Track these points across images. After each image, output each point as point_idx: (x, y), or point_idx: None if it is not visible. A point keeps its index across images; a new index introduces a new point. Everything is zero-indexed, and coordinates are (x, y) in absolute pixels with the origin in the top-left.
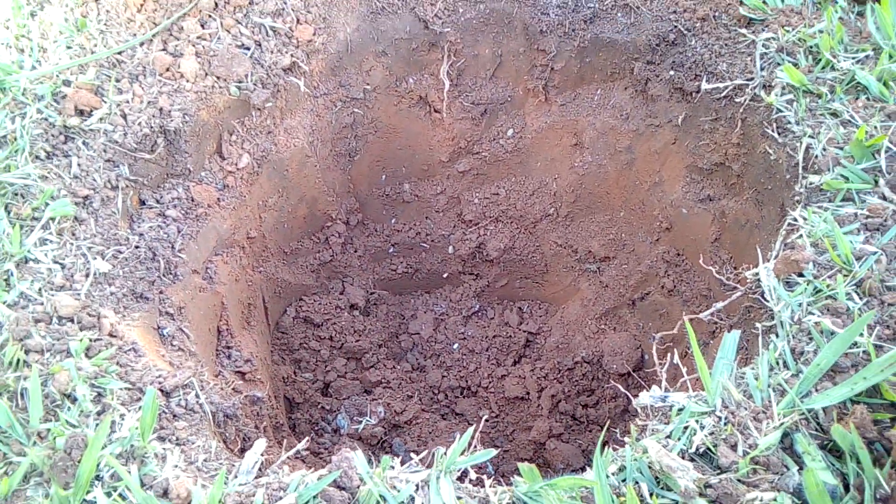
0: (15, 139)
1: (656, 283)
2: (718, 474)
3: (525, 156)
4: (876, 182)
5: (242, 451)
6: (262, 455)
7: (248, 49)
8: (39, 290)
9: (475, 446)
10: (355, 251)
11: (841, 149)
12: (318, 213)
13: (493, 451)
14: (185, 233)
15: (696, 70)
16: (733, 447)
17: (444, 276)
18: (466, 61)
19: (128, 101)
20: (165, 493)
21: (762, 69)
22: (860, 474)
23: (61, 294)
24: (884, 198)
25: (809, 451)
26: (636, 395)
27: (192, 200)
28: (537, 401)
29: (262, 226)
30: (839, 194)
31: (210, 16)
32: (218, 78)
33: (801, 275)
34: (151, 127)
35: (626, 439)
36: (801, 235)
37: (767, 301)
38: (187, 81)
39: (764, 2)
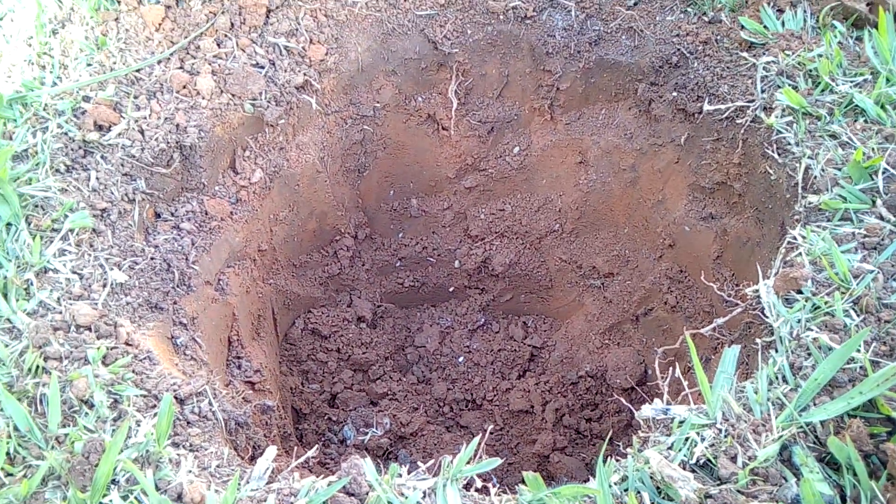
0: (36, 153)
1: (659, 299)
2: (718, 485)
3: (530, 173)
4: (873, 202)
5: (252, 458)
6: (272, 462)
7: (263, 68)
8: (58, 299)
9: (480, 456)
10: (363, 265)
11: (839, 170)
12: (328, 227)
13: (499, 460)
14: (198, 245)
15: (698, 92)
16: (733, 459)
17: (450, 290)
18: (474, 81)
19: (145, 117)
20: (180, 498)
21: (763, 91)
22: (856, 486)
23: (79, 303)
24: (881, 217)
25: (807, 464)
26: (639, 410)
27: (206, 214)
28: (541, 414)
29: (272, 239)
30: (837, 214)
31: (226, 35)
32: (233, 95)
33: (800, 292)
34: (168, 142)
35: (628, 450)
36: (800, 253)
37: (767, 317)
38: (203, 98)
39: (764, 26)
